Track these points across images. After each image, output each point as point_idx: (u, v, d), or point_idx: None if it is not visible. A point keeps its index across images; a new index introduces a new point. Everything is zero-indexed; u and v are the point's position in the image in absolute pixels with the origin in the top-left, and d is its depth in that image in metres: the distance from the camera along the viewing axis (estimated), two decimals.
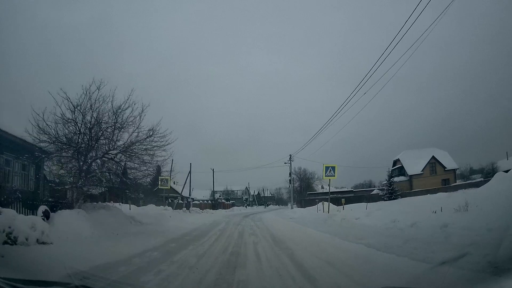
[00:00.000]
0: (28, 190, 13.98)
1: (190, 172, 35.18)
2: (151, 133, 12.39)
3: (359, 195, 39.85)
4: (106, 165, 12.55)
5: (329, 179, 22.56)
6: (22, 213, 9.44)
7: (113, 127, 11.96)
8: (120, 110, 11.96)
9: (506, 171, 19.32)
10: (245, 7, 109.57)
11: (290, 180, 42.55)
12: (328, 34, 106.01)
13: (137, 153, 12.52)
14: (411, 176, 38.84)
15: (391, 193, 33.38)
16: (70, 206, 11.15)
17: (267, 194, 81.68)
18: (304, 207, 35.56)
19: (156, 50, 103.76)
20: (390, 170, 38.90)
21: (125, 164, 13.04)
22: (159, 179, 25.70)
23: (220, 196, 61.33)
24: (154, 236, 9.79)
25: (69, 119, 11.43)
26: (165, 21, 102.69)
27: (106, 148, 12.17)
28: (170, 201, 32.41)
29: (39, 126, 11.00)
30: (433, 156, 38.63)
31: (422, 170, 38.33)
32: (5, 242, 6.20)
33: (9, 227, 6.39)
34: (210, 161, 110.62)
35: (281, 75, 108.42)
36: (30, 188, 14.44)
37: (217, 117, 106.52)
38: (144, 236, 9.87)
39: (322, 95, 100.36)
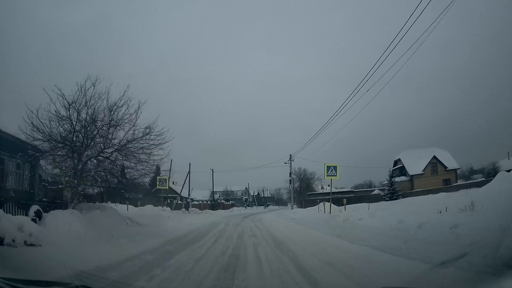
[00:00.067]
0: (23, 190, 13.62)
1: (189, 172, 34.96)
2: (147, 131, 12.05)
3: (360, 195, 39.49)
4: (102, 164, 12.20)
5: (331, 179, 22.22)
6: (16, 213, 9.14)
7: (108, 124, 11.63)
8: (115, 107, 11.64)
9: (508, 171, 19.12)
10: (245, 7, 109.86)
11: (290, 180, 42.27)
12: (328, 34, 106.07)
13: (133, 151, 12.20)
14: (412, 176, 38.58)
15: (392, 193, 33.05)
16: (64, 206, 10.88)
17: (267, 194, 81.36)
18: (304, 208, 35.21)
19: (156, 50, 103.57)
20: (391, 170, 38.51)
21: (123, 164, 12.71)
22: (157, 179, 25.31)
23: (219, 197, 61.00)
24: (151, 238, 9.47)
25: (63, 116, 11.15)
26: (165, 21, 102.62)
27: (102, 146, 11.83)
28: (169, 201, 32.10)
29: (33, 124, 10.71)
30: (434, 156, 38.37)
31: (423, 170, 38.08)
32: None
33: None
34: (210, 161, 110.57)
35: (281, 75, 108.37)
36: (25, 187, 14.07)
37: (217, 117, 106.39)
38: (140, 237, 9.54)
39: (322, 95, 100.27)
